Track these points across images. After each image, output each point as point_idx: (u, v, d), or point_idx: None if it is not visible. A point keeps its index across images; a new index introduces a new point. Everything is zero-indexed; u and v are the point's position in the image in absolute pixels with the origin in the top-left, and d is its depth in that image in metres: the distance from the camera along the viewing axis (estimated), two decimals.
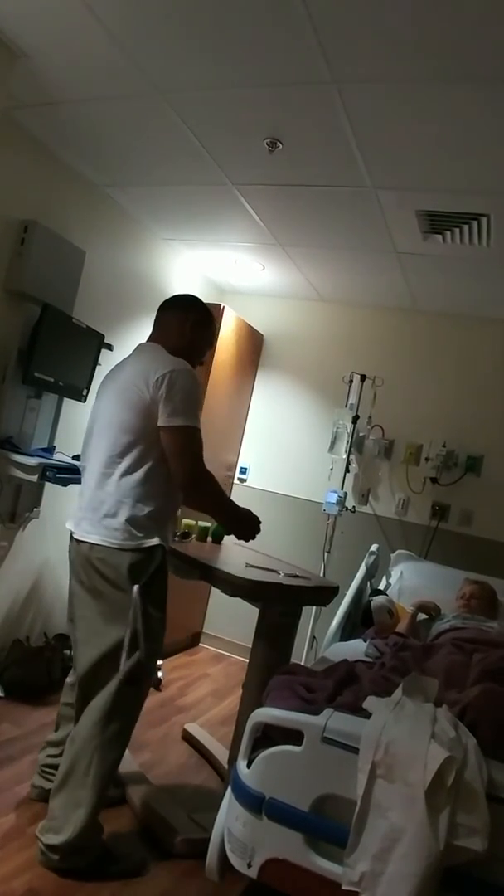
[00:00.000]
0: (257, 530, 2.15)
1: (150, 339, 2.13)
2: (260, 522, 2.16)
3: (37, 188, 2.89)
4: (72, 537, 2.01)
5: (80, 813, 1.83)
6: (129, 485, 1.92)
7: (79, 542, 1.97)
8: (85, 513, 1.98)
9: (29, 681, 2.87)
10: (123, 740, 1.93)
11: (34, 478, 2.74)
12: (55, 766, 2.03)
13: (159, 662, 3.43)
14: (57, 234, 2.89)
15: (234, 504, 2.14)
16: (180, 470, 1.91)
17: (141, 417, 1.91)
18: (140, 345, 2.15)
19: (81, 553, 1.95)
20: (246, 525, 2.14)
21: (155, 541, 1.92)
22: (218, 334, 2.24)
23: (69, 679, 2.17)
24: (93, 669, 1.90)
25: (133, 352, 2.14)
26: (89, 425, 2.13)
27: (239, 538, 2.16)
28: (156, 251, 3.83)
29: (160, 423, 1.89)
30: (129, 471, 1.92)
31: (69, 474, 2.82)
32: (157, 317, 2.17)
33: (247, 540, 2.17)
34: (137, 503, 1.91)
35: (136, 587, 1.87)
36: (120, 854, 1.94)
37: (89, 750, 1.86)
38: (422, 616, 2.82)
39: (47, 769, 2.12)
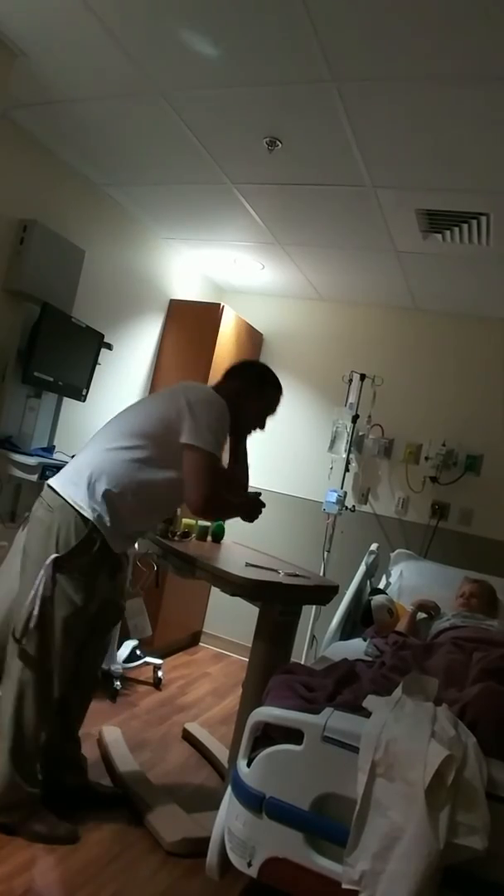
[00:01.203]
0: (261, 507, 2.24)
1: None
2: (261, 499, 2.24)
3: (36, 187, 2.89)
4: None
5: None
6: (112, 459, 1.96)
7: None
8: (68, 470, 2.03)
9: None
10: (24, 711, 1.89)
11: (34, 477, 2.74)
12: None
13: (159, 661, 3.43)
14: (56, 233, 2.89)
15: (240, 505, 2.21)
16: (193, 494, 1.95)
17: (161, 424, 1.98)
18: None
19: (36, 503, 2.01)
20: (252, 511, 2.22)
21: (90, 514, 1.90)
22: (274, 408, 2.27)
23: None
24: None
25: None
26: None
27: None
28: (155, 250, 3.83)
29: (182, 439, 1.94)
30: (119, 449, 1.97)
31: None
32: (221, 379, 2.23)
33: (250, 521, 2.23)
34: (103, 476, 1.93)
35: (51, 557, 1.86)
36: (51, 819, 1.96)
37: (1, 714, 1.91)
38: (421, 615, 2.82)
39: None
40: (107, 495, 1.92)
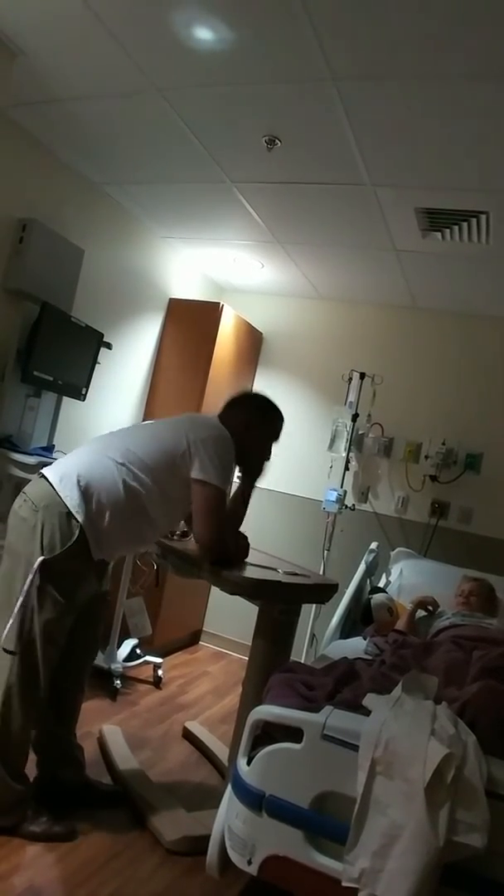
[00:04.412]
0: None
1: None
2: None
3: (35, 187, 2.89)
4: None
5: None
6: (107, 470, 1.94)
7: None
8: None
9: None
10: (10, 713, 1.86)
11: (33, 476, 2.73)
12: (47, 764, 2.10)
13: (159, 660, 3.43)
14: (55, 232, 2.89)
15: (240, 548, 2.22)
16: (202, 530, 1.98)
17: (163, 455, 1.98)
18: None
19: (18, 499, 1.98)
20: (244, 556, 2.24)
21: (80, 516, 1.86)
22: (279, 436, 2.29)
23: None
24: None
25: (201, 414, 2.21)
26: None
27: None
28: (155, 249, 3.83)
29: (193, 475, 1.95)
30: (116, 463, 1.95)
31: None
32: (222, 410, 2.22)
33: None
34: (93, 482, 1.90)
35: (39, 558, 1.83)
36: (46, 818, 1.96)
37: None
38: (421, 613, 2.82)
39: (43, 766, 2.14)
40: (93, 502, 1.89)
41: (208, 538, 1.99)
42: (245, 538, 2.26)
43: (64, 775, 2.13)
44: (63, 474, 1.93)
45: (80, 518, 1.87)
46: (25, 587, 1.83)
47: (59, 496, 1.88)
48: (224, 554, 2.06)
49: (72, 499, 1.88)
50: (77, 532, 1.87)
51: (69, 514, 1.87)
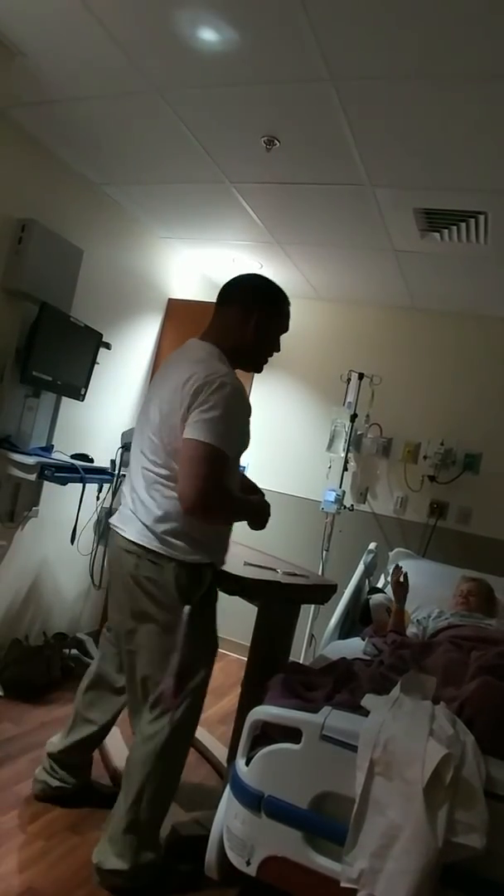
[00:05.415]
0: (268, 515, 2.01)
1: (206, 335, 1.92)
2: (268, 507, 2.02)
3: (34, 187, 2.89)
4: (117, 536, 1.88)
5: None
6: (157, 492, 1.79)
7: (125, 541, 1.84)
8: (133, 512, 1.84)
9: (28, 679, 2.87)
10: (172, 780, 1.88)
11: (32, 477, 2.74)
12: (61, 764, 2.11)
13: None
14: (55, 232, 2.89)
15: (247, 505, 1.97)
16: (184, 489, 1.68)
17: (179, 429, 1.75)
18: (192, 342, 1.93)
19: (125, 556, 1.84)
20: (261, 517, 1.99)
21: (194, 557, 1.79)
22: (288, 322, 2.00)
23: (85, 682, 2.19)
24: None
25: (184, 349, 1.92)
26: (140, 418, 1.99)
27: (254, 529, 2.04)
28: (154, 249, 3.83)
29: (184, 434, 1.70)
30: (154, 477, 1.80)
31: (67, 473, 2.83)
32: (215, 309, 1.95)
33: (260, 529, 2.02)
34: (163, 517, 1.78)
35: (186, 608, 1.78)
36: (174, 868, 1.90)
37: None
38: (421, 614, 2.81)
39: (54, 767, 2.14)
40: (186, 536, 1.78)
41: (188, 493, 1.66)
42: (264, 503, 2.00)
43: (72, 776, 2.15)
44: (147, 530, 1.79)
45: (197, 557, 1.80)
46: (179, 638, 1.78)
47: (166, 556, 1.78)
48: (220, 509, 1.77)
49: (174, 546, 1.78)
50: (203, 569, 1.83)
51: (186, 563, 1.79)
